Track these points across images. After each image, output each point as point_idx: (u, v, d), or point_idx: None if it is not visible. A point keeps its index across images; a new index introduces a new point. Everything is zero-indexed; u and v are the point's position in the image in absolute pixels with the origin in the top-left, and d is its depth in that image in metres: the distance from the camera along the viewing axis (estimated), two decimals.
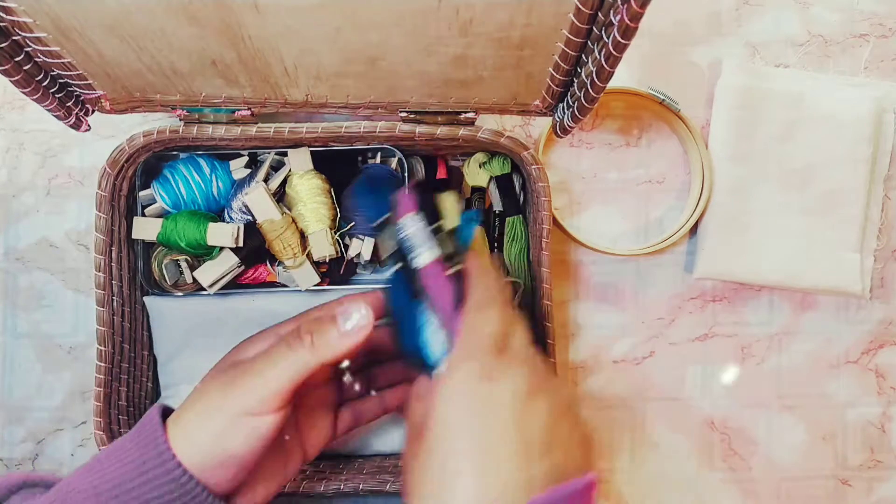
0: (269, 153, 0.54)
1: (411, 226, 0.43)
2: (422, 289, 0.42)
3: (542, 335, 0.52)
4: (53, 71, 0.44)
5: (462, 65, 0.43)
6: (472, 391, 0.34)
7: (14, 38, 0.40)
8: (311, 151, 0.53)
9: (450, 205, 0.45)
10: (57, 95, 0.45)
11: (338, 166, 0.54)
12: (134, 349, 0.54)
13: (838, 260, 0.61)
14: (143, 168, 0.53)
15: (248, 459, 0.37)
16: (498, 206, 0.59)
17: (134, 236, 0.52)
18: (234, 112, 0.49)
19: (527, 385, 0.34)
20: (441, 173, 0.59)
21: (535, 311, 0.54)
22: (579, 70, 0.42)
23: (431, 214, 0.44)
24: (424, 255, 0.42)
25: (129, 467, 0.36)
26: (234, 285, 0.54)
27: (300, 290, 0.54)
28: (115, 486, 0.35)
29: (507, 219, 0.58)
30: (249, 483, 0.40)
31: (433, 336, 0.41)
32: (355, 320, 0.38)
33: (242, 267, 0.53)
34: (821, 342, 0.64)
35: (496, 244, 0.58)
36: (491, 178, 0.59)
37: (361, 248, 0.54)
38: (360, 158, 0.56)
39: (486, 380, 0.34)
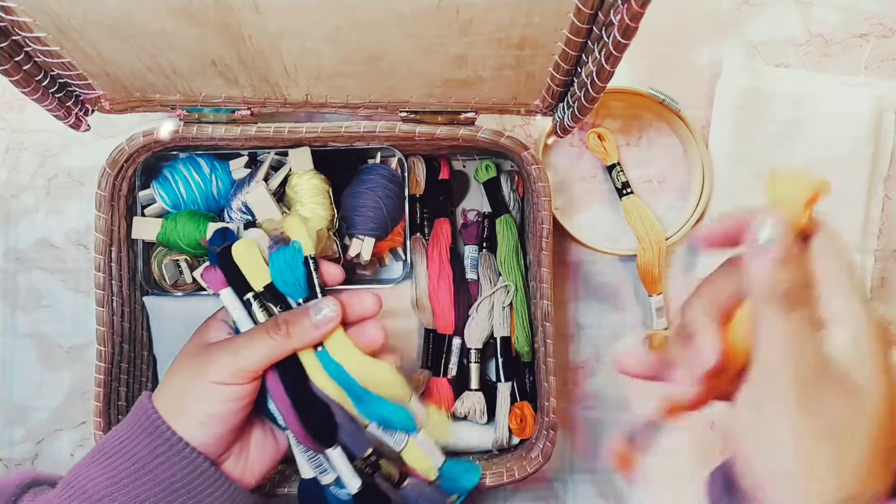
0: (268, 153, 0.54)
1: (225, 299, 0.45)
2: None
3: (541, 335, 0.52)
4: (53, 71, 0.44)
5: (462, 65, 0.43)
6: None
7: (14, 37, 0.40)
8: (311, 151, 0.53)
9: (248, 257, 0.45)
10: (57, 95, 0.45)
11: (338, 166, 0.54)
12: (134, 349, 0.54)
13: None
14: (142, 168, 0.53)
15: (228, 418, 0.42)
16: (487, 210, 0.60)
17: (133, 236, 0.52)
18: (234, 112, 0.49)
19: None
20: (444, 174, 0.59)
21: (531, 311, 0.54)
22: (579, 70, 0.42)
23: (241, 280, 0.45)
24: (243, 327, 0.45)
25: (140, 455, 0.40)
26: None
27: None
28: (130, 473, 0.40)
29: (497, 219, 0.58)
30: (240, 448, 0.45)
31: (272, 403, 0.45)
32: (325, 313, 0.43)
33: None
34: None
35: (486, 245, 0.59)
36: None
37: (361, 247, 0.54)
38: (354, 157, 0.56)
39: None
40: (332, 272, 0.46)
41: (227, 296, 0.45)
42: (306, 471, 0.47)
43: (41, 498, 0.41)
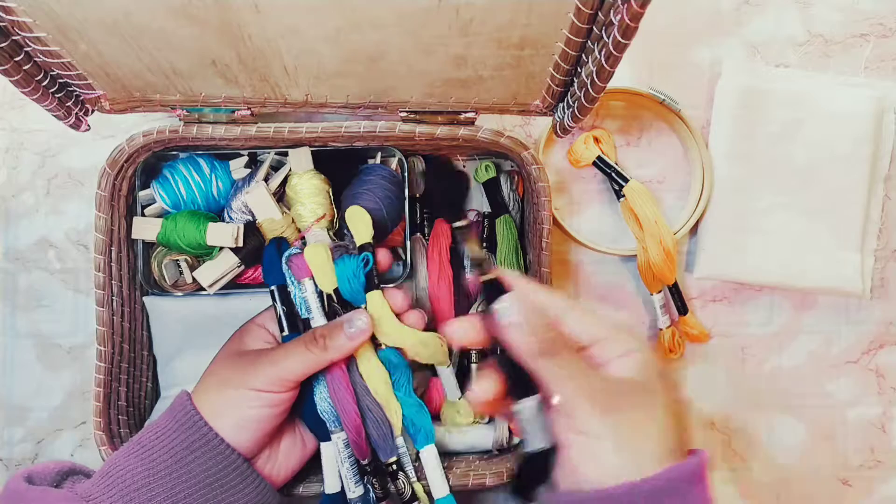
0: (268, 153, 0.54)
1: (308, 288, 0.48)
2: None
3: None
4: (53, 71, 0.44)
5: (462, 65, 0.43)
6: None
7: (14, 37, 0.40)
8: (311, 151, 0.53)
9: (320, 261, 0.47)
10: (57, 95, 0.45)
11: (338, 166, 0.54)
12: (134, 349, 0.54)
13: (838, 260, 0.61)
14: (142, 168, 0.53)
15: (264, 423, 0.44)
16: (487, 210, 0.60)
17: (133, 236, 0.52)
18: (234, 112, 0.49)
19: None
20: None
21: None
22: (579, 70, 0.42)
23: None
24: (315, 319, 0.47)
25: (177, 449, 0.42)
26: (234, 285, 0.54)
27: None
28: (167, 466, 0.42)
29: (497, 219, 0.58)
30: (270, 451, 0.47)
31: (325, 404, 0.47)
32: (357, 325, 0.45)
33: (242, 267, 0.53)
34: (821, 342, 0.64)
35: (485, 244, 0.59)
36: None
37: None
38: (354, 157, 0.56)
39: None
40: (383, 260, 0.49)
41: (309, 286, 0.47)
42: (332, 485, 0.49)
43: (79, 486, 0.42)
